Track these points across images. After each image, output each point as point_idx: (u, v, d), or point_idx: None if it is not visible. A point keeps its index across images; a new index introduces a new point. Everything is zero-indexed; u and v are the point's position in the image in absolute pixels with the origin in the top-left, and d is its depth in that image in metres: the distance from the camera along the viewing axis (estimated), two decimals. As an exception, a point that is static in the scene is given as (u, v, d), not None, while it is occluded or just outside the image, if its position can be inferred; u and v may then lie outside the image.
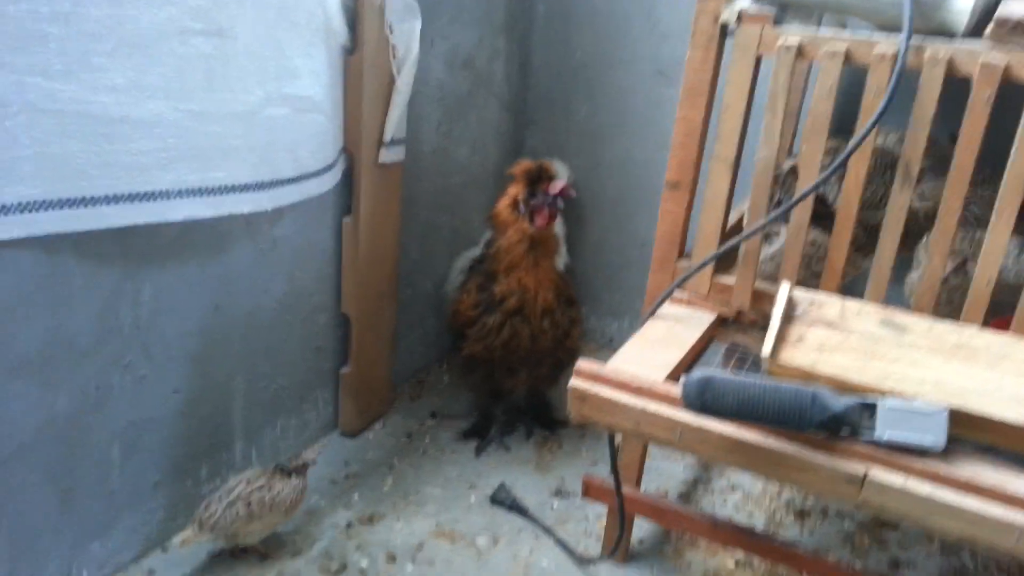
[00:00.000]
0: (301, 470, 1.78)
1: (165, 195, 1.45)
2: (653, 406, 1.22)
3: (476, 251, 2.45)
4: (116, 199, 1.41)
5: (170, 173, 1.45)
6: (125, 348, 1.60)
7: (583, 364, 1.30)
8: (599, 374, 1.28)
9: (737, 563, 1.86)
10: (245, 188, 1.59)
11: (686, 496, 2.09)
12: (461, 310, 2.10)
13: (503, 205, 2.03)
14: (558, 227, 2.57)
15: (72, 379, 1.51)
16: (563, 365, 2.16)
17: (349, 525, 1.89)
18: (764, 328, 1.58)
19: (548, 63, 2.67)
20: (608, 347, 2.85)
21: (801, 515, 2.03)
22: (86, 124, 1.33)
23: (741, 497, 2.10)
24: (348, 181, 2.02)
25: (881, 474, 1.08)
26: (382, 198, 2.10)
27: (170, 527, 1.79)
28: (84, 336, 1.51)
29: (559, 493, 2.06)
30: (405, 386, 2.51)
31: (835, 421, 1.09)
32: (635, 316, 2.78)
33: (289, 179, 1.69)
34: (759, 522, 2.00)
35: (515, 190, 2.00)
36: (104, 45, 1.30)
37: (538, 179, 1.96)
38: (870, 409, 1.10)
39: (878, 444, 1.09)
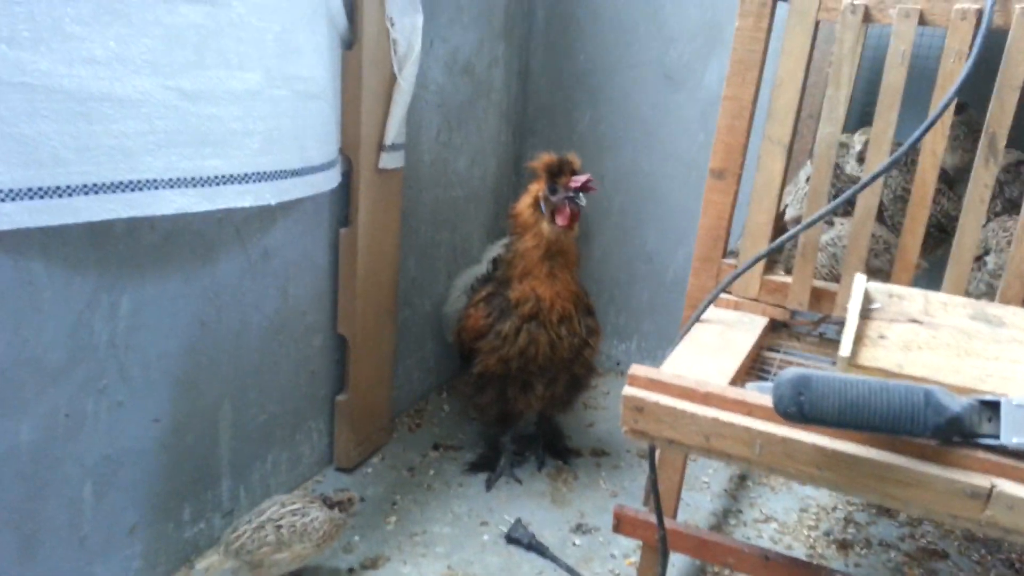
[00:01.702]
0: (344, 505, 1.59)
1: (153, 184, 1.27)
2: (726, 416, 1.05)
3: (480, 268, 2.29)
4: (95, 188, 1.23)
5: (159, 159, 1.27)
6: (100, 369, 1.40)
7: (637, 369, 1.13)
8: (659, 380, 1.11)
9: (784, 601, 1.67)
10: (245, 179, 1.41)
11: (717, 529, 1.91)
12: (470, 324, 1.93)
13: (524, 204, 1.87)
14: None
15: (39, 404, 1.31)
16: (579, 384, 1.99)
17: (351, 571, 1.67)
18: (820, 335, 1.43)
19: (548, 69, 2.54)
20: (615, 371, 2.69)
21: (843, 546, 1.87)
22: (60, 101, 1.15)
23: (777, 528, 1.93)
24: (345, 188, 1.85)
25: (1011, 487, 0.92)
26: (382, 208, 1.93)
27: (148, 576, 1.57)
28: (53, 355, 1.31)
29: (580, 529, 1.87)
30: (404, 416, 2.31)
31: (953, 424, 0.93)
32: (643, 337, 2.63)
33: (294, 171, 1.51)
34: (799, 555, 1.83)
35: (536, 187, 1.85)
36: (80, 10, 1.13)
37: (559, 172, 1.79)
38: (992, 409, 0.95)
39: (1004, 451, 0.94)
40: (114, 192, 1.22)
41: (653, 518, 1.52)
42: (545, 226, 1.80)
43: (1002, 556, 1.87)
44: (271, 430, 1.81)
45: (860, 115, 1.99)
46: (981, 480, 0.93)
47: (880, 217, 1.45)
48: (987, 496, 0.92)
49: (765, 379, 1.39)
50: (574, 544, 1.82)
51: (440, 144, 2.23)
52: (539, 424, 2.17)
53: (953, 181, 1.78)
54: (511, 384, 1.90)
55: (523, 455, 2.13)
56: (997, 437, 0.94)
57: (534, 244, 1.81)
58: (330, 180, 1.69)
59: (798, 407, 0.93)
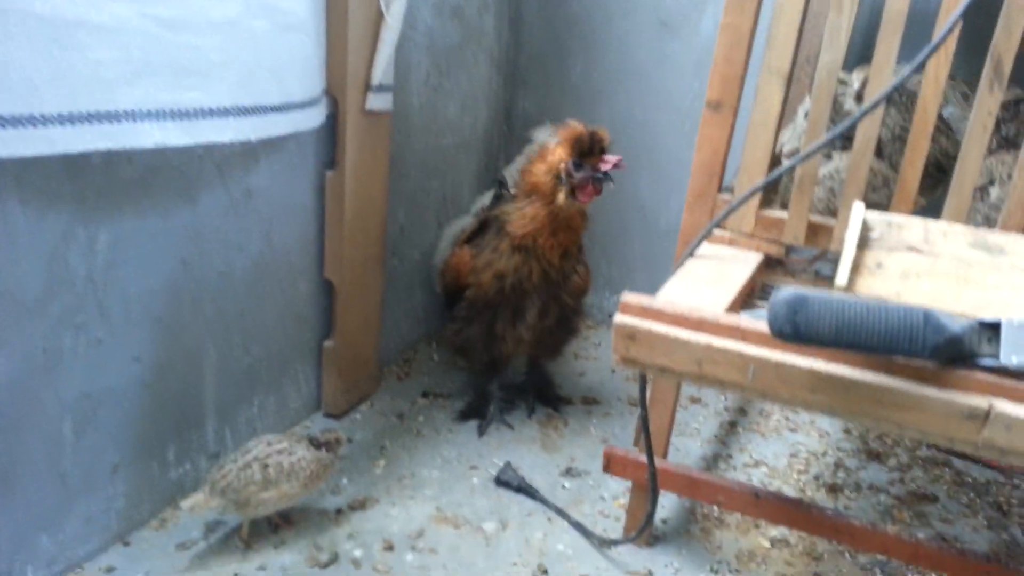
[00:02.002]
0: (332, 445, 1.58)
1: (131, 116, 1.22)
2: (719, 341, 1.03)
3: (468, 219, 2.26)
4: (71, 119, 1.18)
5: (137, 89, 1.22)
6: (78, 305, 1.36)
7: (629, 297, 1.10)
8: (651, 308, 1.08)
9: (773, 542, 1.67)
10: (225, 113, 1.37)
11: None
12: (455, 263, 1.92)
13: (541, 170, 1.78)
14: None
15: (14, 339, 1.27)
16: (569, 320, 1.96)
17: (339, 512, 1.66)
18: (816, 273, 1.41)
19: (541, 16, 2.49)
20: (607, 323, 2.66)
21: (833, 489, 1.87)
22: (32, 26, 1.09)
23: (767, 472, 1.92)
24: (331, 130, 1.81)
25: (1009, 407, 0.90)
26: (369, 151, 1.89)
27: (133, 517, 1.55)
28: (28, 288, 1.27)
29: (570, 472, 1.86)
30: (392, 365, 2.28)
31: (952, 345, 0.91)
32: (635, 288, 2.55)
33: (274, 106, 1.47)
34: (789, 499, 1.82)
35: (557, 157, 1.75)
36: (52, -71, 1.08)
37: (588, 152, 1.71)
38: (992, 330, 0.93)
39: (1004, 371, 0.92)
40: (91, 123, 1.17)
41: (643, 458, 1.51)
42: (562, 198, 1.74)
43: (990, 499, 1.87)
44: (257, 373, 1.79)
45: (861, 49, 1.94)
46: (979, 401, 0.91)
47: (879, 154, 1.42)
48: (985, 417, 0.90)
49: (759, 308, 1.37)
50: (564, 487, 1.81)
51: (430, 89, 2.18)
52: (529, 372, 2.16)
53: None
54: (502, 311, 1.86)
55: (513, 403, 2.12)
56: (996, 357, 0.92)
57: (545, 212, 1.76)
58: (313, 118, 1.64)
59: (793, 327, 0.91)
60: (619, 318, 1.09)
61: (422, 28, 2.08)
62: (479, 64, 2.39)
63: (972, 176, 1.23)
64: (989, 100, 1.18)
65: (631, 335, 1.07)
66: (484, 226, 1.92)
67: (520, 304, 1.86)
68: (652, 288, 2.59)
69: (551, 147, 1.78)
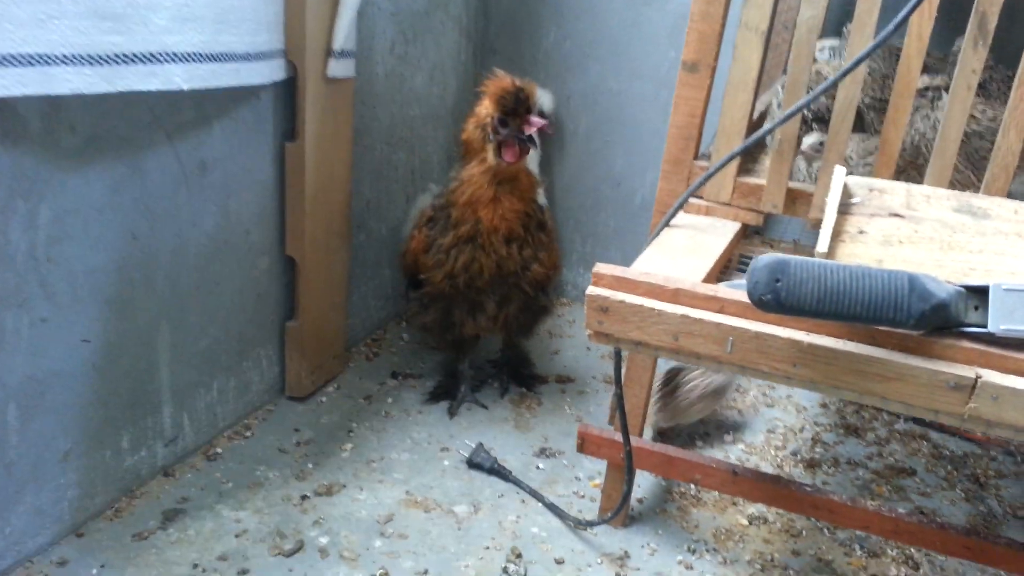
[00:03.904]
0: None
1: (44, 59, 1.13)
2: (696, 313, 0.98)
3: (434, 195, 2.18)
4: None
5: (50, 32, 1.13)
6: (19, 282, 1.28)
7: (602, 268, 1.05)
8: (624, 277, 1.03)
9: (751, 519, 1.64)
10: (151, 59, 1.27)
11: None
12: (413, 246, 1.83)
13: (470, 127, 1.72)
14: (533, 162, 2.32)
15: (-51, 319, 1.19)
16: (533, 306, 1.88)
17: (304, 498, 1.60)
18: (795, 242, 1.37)
19: (510, -19, 2.40)
20: (581, 300, 2.60)
21: (811, 465, 1.84)
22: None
23: (744, 449, 1.89)
24: (290, 99, 1.72)
25: (997, 377, 0.86)
26: (331, 119, 1.81)
27: (86, 507, 1.48)
28: (-37, 266, 1.20)
29: (544, 453, 1.81)
30: (360, 345, 2.22)
31: (939, 311, 0.86)
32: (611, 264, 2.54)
33: (211, 55, 1.37)
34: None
35: (485, 110, 1.69)
36: None
37: (513, 111, 1.63)
38: (979, 296, 0.88)
39: (991, 339, 0.88)
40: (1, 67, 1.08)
41: (618, 437, 1.46)
42: (491, 156, 1.66)
43: (967, 472, 1.85)
44: (215, 355, 1.71)
45: (840, 16, 1.88)
46: (965, 371, 0.87)
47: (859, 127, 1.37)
48: (971, 388, 0.86)
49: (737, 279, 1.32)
50: (537, 468, 1.76)
51: (395, 57, 2.09)
52: (503, 350, 2.10)
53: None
54: (458, 304, 1.79)
55: (484, 382, 2.06)
56: (984, 326, 0.88)
57: (480, 171, 1.68)
58: (261, 73, 1.54)
59: (774, 294, 0.86)
60: (591, 290, 1.04)
61: (386, -7, 1.99)
62: (447, 32, 2.30)
63: (955, 139, 1.18)
64: (973, 58, 1.14)
65: (604, 307, 1.02)
66: (440, 210, 1.82)
67: (476, 299, 1.79)
68: (627, 264, 2.54)
69: (482, 100, 1.71)
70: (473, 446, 1.77)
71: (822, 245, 1.07)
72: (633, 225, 2.48)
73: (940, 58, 1.79)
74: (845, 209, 1.11)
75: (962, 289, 0.89)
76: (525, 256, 1.75)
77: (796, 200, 1.31)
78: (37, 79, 1.16)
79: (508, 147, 1.66)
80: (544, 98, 2.38)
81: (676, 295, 1.00)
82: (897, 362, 0.89)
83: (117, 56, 1.25)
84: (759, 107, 1.64)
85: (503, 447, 1.82)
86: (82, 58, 1.21)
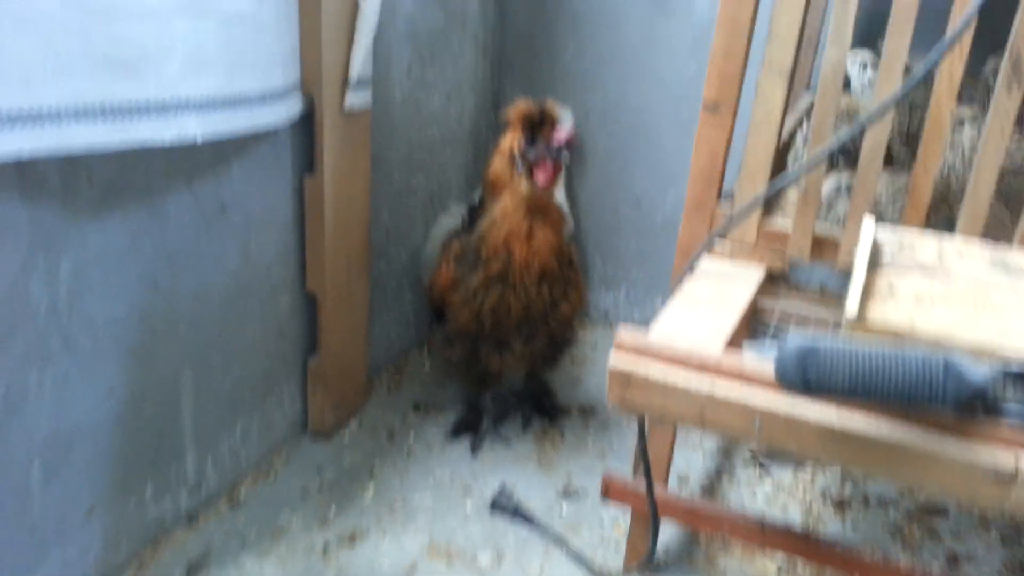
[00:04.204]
0: None
1: (56, 115, 1.12)
2: (723, 387, 0.95)
3: (455, 219, 2.16)
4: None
5: (61, 87, 1.12)
6: (41, 338, 1.28)
7: (625, 334, 1.02)
8: (647, 348, 1.00)
9: (779, 569, 1.61)
10: (164, 108, 1.26)
11: (710, 489, 1.83)
12: (441, 281, 1.81)
13: (498, 164, 1.68)
14: (560, 195, 2.29)
15: (-28, 381, 1.20)
16: (560, 342, 1.87)
17: (326, 548, 1.58)
18: (822, 287, 1.34)
19: (528, -4, 2.37)
20: (603, 322, 2.59)
21: (840, 506, 1.80)
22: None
23: (772, 488, 1.85)
24: (308, 132, 1.71)
25: (1040, 466, 0.82)
26: (349, 152, 1.80)
27: (110, 561, 1.47)
28: (-14, 325, 1.20)
29: (567, 493, 1.79)
30: (382, 375, 2.21)
31: (976, 397, 0.83)
32: (632, 286, 2.52)
33: (225, 100, 1.36)
34: (794, 515, 1.76)
35: (508, 141, 1.66)
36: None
37: (540, 124, 1.60)
38: (1019, 380, 0.84)
39: (1033, 427, 0.84)
40: (12, 125, 1.07)
41: (642, 487, 1.43)
42: (524, 184, 1.62)
43: (1003, 513, 1.80)
44: (239, 396, 1.71)
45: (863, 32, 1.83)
46: (1006, 458, 0.84)
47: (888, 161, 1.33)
48: (1013, 477, 0.83)
49: (763, 338, 1.29)
50: (561, 512, 1.73)
51: (412, 80, 2.07)
52: (526, 381, 2.08)
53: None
54: (486, 342, 1.77)
55: (507, 414, 2.04)
56: (1024, 409, 0.84)
57: (514, 205, 1.63)
58: (276, 113, 1.52)
59: (803, 379, 0.83)
60: (613, 360, 1.01)
61: (402, 15, 1.97)
62: (464, 50, 2.28)
63: (989, 184, 1.14)
64: (1007, 101, 1.09)
65: (627, 379, 0.99)
66: (469, 248, 1.77)
67: (503, 338, 1.76)
68: (649, 285, 2.51)
69: (503, 135, 1.68)
70: (496, 486, 1.76)
71: (851, 306, 1.03)
72: (655, 246, 2.45)
73: (970, 80, 1.74)
74: (875, 264, 1.08)
75: (1000, 371, 0.85)
76: (555, 295, 1.72)
77: (823, 247, 1.27)
78: (51, 136, 1.15)
79: (540, 166, 1.61)
80: (565, 116, 2.36)
81: (702, 366, 0.97)
82: (932, 448, 0.86)
83: (130, 106, 1.23)
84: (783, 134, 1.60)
85: (526, 487, 1.80)
86: (95, 111, 1.20)
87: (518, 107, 1.64)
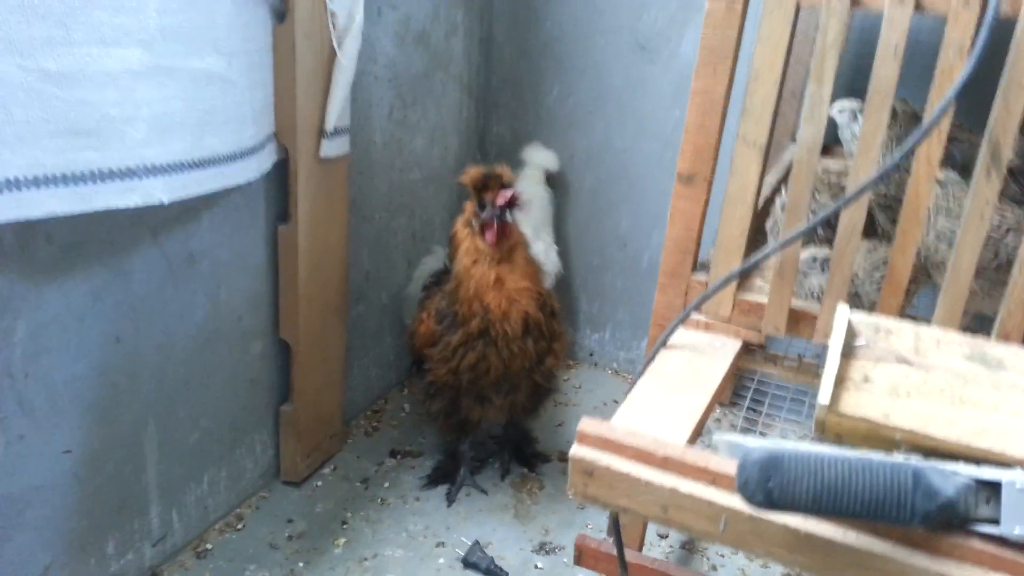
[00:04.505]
0: None
1: (13, 184, 1.09)
2: (686, 485, 0.91)
3: (439, 262, 2.13)
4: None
5: (19, 155, 1.08)
6: (-6, 403, 1.24)
7: (587, 425, 0.98)
8: (610, 439, 0.96)
9: (757, 629, 1.57)
10: (129, 174, 1.22)
11: (689, 551, 1.79)
12: (422, 331, 1.78)
13: (459, 224, 1.71)
14: (540, 244, 2.26)
15: (-81, 448, 1.16)
16: (542, 393, 1.84)
17: (292, 602, 1.55)
18: (799, 358, 1.30)
19: (513, 37, 2.34)
20: (588, 362, 2.55)
21: (822, 561, 1.76)
22: None
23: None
24: (283, 181, 1.68)
25: (1011, 585, 0.79)
26: (324, 200, 1.76)
27: (69, 619, 1.44)
28: (-66, 392, 1.16)
29: (543, 549, 1.75)
30: (360, 418, 2.17)
31: (945, 511, 0.79)
32: (617, 326, 2.49)
33: (193, 162, 1.33)
34: (775, 572, 1.72)
35: (469, 209, 1.68)
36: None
37: (484, 187, 1.61)
38: (991, 490, 0.81)
39: (1004, 542, 0.80)
40: None
41: (616, 551, 1.39)
42: (479, 242, 1.64)
43: None
44: (206, 447, 1.67)
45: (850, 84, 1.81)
46: (976, 574, 0.80)
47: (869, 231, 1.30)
48: (984, 595, 0.79)
49: (738, 406, 1.25)
50: (536, 567, 1.70)
51: (393, 123, 2.04)
52: (507, 428, 2.04)
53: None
54: (464, 395, 1.74)
55: (484, 462, 2.00)
56: (997, 523, 0.81)
57: (472, 260, 1.65)
58: (247, 170, 1.49)
59: (766, 494, 0.79)
60: (575, 451, 0.97)
61: (383, 60, 1.94)
62: (448, 91, 2.25)
63: (968, 270, 1.11)
64: (986, 188, 1.06)
65: (589, 471, 0.96)
66: (447, 309, 1.74)
67: (483, 392, 1.74)
68: (634, 326, 2.47)
69: (466, 204, 1.71)
70: (469, 543, 1.72)
71: (824, 395, 0.99)
72: (640, 286, 2.41)
73: (957, 125, 1.71)
74: (849, 351, 1.04)
75: (972, 483, 0.81)
76: (540, 350, 1.70)
77: (799, 321, 1.24)
78: (8, 205, 1.12)
79: (488, 228, 1.63)
80: (547, 157, 2.33)
81: (665, 462, 0.93)
82: (901, 560, 0.82)
83: (93, 173, 1.20)
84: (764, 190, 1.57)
85: (502, 541, 1.76)
86: (56, 178, 1.16)
87: (469, 172, 1.66)
